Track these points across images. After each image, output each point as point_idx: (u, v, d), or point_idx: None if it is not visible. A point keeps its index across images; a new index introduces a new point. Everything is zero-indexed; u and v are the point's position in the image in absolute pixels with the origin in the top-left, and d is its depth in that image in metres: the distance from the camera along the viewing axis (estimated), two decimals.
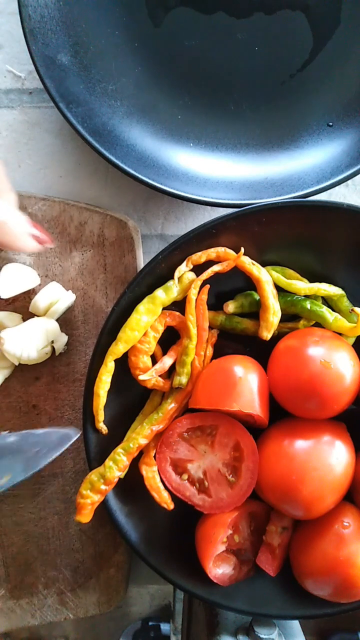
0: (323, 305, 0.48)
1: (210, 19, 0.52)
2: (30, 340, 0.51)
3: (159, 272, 0.47)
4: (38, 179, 0.58)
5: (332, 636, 0.68)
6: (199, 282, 0.47)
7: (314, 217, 0.46)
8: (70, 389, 0.56)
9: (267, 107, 0.54)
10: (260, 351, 0.48)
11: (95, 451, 0.49)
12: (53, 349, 0.54)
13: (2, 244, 0.43)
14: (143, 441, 0.47)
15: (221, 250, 0.46)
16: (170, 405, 0.48)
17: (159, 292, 0.46)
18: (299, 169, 0.53)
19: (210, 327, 0.49)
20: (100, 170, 0.58)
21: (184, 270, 0.46)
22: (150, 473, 0.48)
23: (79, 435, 0.50)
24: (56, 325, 0.53)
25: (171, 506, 0.48)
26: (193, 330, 0.47)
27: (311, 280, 0.48)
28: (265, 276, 0.47)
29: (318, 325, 0.49)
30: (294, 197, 0.50)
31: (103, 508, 0.49)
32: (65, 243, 0.54)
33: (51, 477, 0.57)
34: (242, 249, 0.46)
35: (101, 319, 0.55)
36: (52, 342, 0.54)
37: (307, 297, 0.48)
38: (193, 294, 0.47)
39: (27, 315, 0.54)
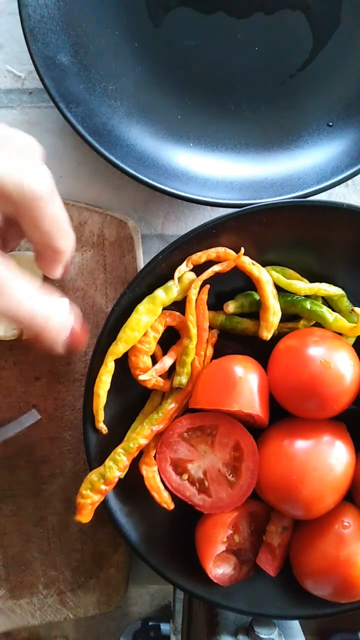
0: (323, 305, 0.48)
1: (210, 19, 0.52)
2: None
3: (159, 272, 0.47)
4: None
5: (332, 636, 0.68)
6: (199, 282, 0.47)
7: (314, 217, 0.46)
8: (70, 389, 0.56)
9: (267, 107, 0.53)
10: (260, 351, 0.48)
11: (95, 451, 0.49)
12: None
13: (36, 340, 0.39)
14: (143, 441, 0.47)
15: (221, 250, 0.46)
16: (171, 406, 0.48)
17: (159, 292, 0.46)
18: (299, 169, 0.53)
19: (211, 327, 0.49)
20: (100, 170, 0.58)
21: (184, 270, 0.46)
22: (150, 473, 0.48)
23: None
24: None
25: (171, 506, 0.48)
26: (193, 330, 0.47)
27: (311, 280, 0.48)
28: (266, 276, 0.47)
29: (318, 325, 0.49)
30: (294, 197, 0.50)
31: (103, 508, 0.49)
32: None
33: (51, 477, 0.57)
34: (242, 249, 0.46)
35: (101, 319, 0.55)
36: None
37: (307, 297, 0.48)
38: (193, 294, 0.47)
39: None
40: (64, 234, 0.40)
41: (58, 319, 0.39)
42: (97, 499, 0.47)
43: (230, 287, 0.49)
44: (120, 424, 0.49)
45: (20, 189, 0.36)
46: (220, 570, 0.48)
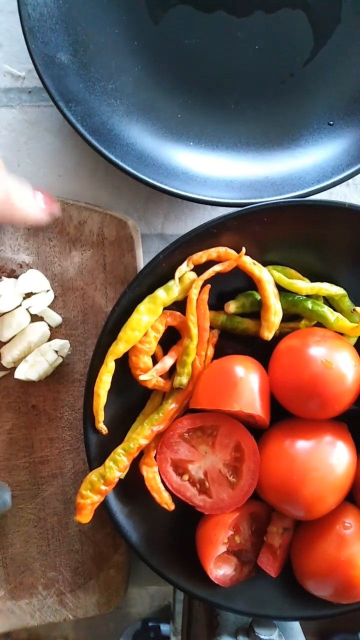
0: (324, 305, 0.48)
1: (210, 17, 0.51)
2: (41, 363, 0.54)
3: (160, 272, 0.47)
4: (37, 178, 0.58)
5: (332, 637, 0.68)
6: (199, 282, 0.46)
7: (315, 217, 0.46)
8: (69, 389, 0.56)
9: (268, 105, 0.53)
10: (262, 351, 0.48)
11: (95, 451, 0.49)
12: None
13: (14, 220, 0.42)
14: (143, 441, 0.47)
15: (222, 250, 0.46)
16: (171, 406, 0.47)
17: (160, 292, 0.46)
18: (299, 168, 0.53)
19: (211, 327, 0.49)
20: (100, 170, 0.58)
21: (184, 270, 0.46)
22: (150, 473, 0.48)
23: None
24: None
25: (172, 507, 0.48)
26: (194, 330, 0.47)
27: (313, 280, 0.48)
28: (267, 276, 0.47)
29: (319, 325, 0.48)
30: (294, 197, 0.49)
31: (103, 509, 0.48)
32: (65, 242, 0.54)
33: (51, 477, 0.57)
34: (243, 249, 0.46)
35: (101, 319, 0.55)
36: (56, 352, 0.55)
37: (308, 296, 0.48)
38: (194, 293, 0.46)
39: None
40: None
41: (17, 195, 0.41)
42: (97, 499, 0.46)
43: (231, 287, 0.49)
44: (121, 424, 0.49)
45: None
46: (221, 571, 0.48)
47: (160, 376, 0.48)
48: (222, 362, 0.47)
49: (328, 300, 0.49)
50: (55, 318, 0.54)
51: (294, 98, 0.53)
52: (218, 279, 0.47)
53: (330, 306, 0.49)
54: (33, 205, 0.42)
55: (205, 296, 0.47)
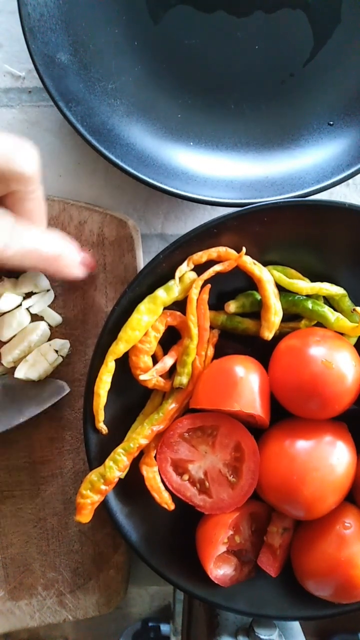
0: (325, 305, 0.48)
1: (210, 17, 0.51)
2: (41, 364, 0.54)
3: (160, 272, 0.47)
4: None
5: (332, 637, 0.68)
6: (200, 282, 0.46)
7: (315, 217, 0.45)
8: (70, 389, 0.56)
9: (268, 106, 0.53)
10: (262, 351, 0.48)
11: (96, 451, 0.49)
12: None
13: (57, 275, 0.47)
14: (143, 441, 0.47)
15: (222, 250, 0.46)
16: (171, 406, 0.47)
17: (160, 292, 0.46)
18: (299, 168, 0.53)
19: (211, 327, 0.49)
20: (100, 170, 0.58)
21: (185, 270, 0.46)
22: (150, 473, 0.48)
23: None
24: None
25: (172, 507, 0.48)
26: (194, 330, 0.47)
27: (313, 280, 0.48)
28: (267, 276, 0.47)
29: (320, 325, 0.48)
30: (294, 197, 0.49)
31: (103, 509, 0.48)
32: None
33: (50, 477, 0.57)
34: (244, 249, 0.46)
35: (101, 319, 0.55)
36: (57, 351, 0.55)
37: (308, 296, 0.48)
38: (194, 293, 0.46)
39: None
40: (42, 218, 0.45)
41: (67, 255, 0.46)
42: (97, 499, 0.46)
43: (231, 286, 0.49)
44: (121, 424, 0.49)
45: (12, 168, 0.39)
46: (221, 571, 0.48)
47: (160, 376, 0.48)
48: (222, 362, 0.47)
49: (328, 300, 0.49)
50: (55, 318, 0.54)
51: (294, 98, 0.53)
52: (218, 278, 0.47)
53: (330, 306, 0.49)
54: (77, 265, 0.48)
55: (206, 296, 0.47)
